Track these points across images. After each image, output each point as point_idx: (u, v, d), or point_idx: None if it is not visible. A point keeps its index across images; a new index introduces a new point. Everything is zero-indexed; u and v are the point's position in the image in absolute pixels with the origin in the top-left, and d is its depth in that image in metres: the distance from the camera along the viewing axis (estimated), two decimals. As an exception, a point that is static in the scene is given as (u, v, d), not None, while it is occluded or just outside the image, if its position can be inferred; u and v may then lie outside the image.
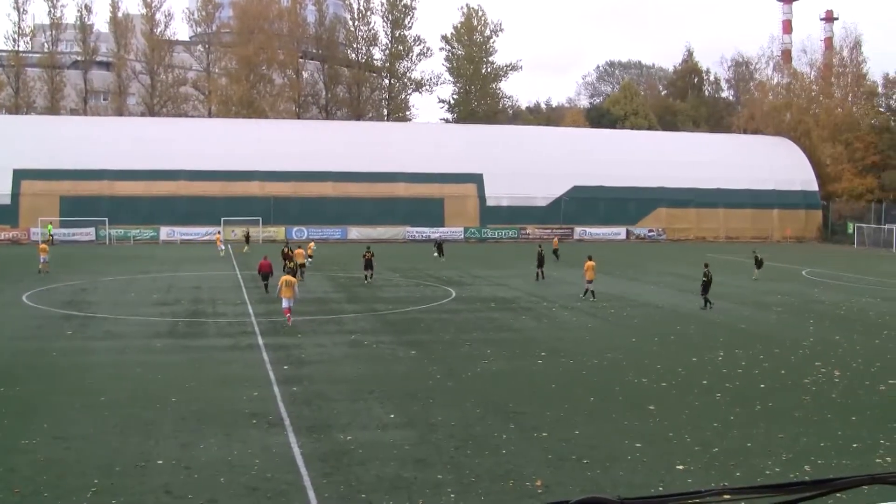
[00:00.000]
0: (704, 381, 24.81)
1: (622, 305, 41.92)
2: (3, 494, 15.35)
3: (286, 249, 51.88)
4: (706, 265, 42.07)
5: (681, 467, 16.94)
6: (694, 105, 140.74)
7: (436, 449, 18.07)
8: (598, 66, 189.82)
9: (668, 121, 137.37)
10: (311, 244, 65.62)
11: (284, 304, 35.07)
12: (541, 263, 52.77)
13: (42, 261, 54.20)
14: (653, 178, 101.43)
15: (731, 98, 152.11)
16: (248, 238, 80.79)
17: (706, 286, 40.70)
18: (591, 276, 43.45)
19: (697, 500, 2.87)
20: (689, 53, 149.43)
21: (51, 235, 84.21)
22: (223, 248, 72.44)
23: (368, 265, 51.26)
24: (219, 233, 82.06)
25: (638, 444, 18.36)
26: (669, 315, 39.06)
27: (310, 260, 57.54)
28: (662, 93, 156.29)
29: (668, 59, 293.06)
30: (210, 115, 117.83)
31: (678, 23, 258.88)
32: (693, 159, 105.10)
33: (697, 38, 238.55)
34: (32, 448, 18.02)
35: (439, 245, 70.12)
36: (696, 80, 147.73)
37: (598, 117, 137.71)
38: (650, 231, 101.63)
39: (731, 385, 24.42)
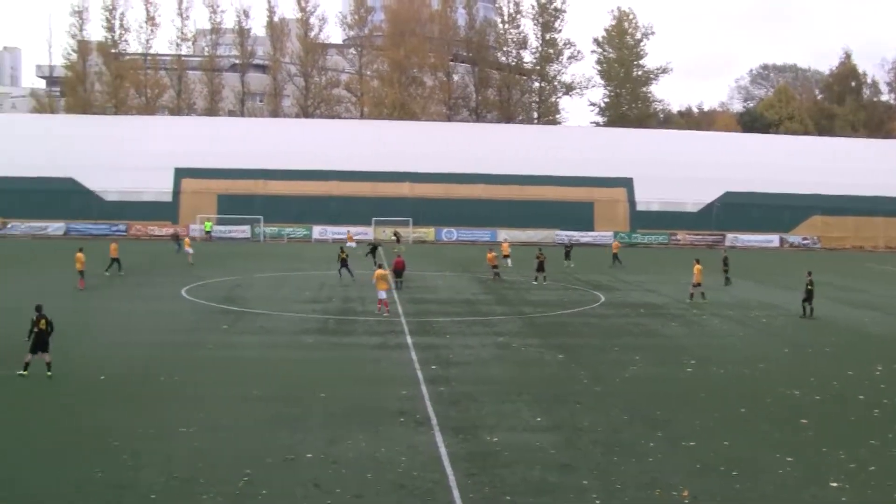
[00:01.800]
0: (861, 396, 24.02)
1: (774, 315, 40.92)
2: (164, 478, 15.99)
3: (343, 254, 52.95)
4: (809, 273, 40.53)
5: (834, 485, 16.45)
6: (852, 109, 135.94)
7: (582, 454, 18.03)
8: (751, 70, 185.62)
9: (824, 125, 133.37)
10: (505, 244, 67.23)
11: (382, 295, 37.82)
12: (540, 268, 52.94)
13: (188, 252, 60.86)
14: (808, 184, 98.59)
15: (892, 102, 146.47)
16: (398, 237, 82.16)
17: (810, 295, 39.37)
18: (699, 279, 44.30)
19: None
20: (847, 56, 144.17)
21: (208, 232, 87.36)
22: (353, 245, 74.71)
23: (541, 267, 51.92)
24: (349, 232, 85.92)
25: (789, 458, 17.94)
26: (824, 326, 37.91)
27: (507, 261, 60.58)
28: (818, 97, 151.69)
29: (824, 62, 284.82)
30: (362, 117, 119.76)
31: (835, 24, 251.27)
32: (850, 165, 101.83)
33: (856, 40, 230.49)
34: (189, 436, 18.72)
35: (567, 250, 68.29)
36: (854, 83, 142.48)
37: (751, 122, 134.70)
38: (804, 239, 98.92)
39: (889, 401, 23.48)
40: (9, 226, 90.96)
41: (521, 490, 15.77)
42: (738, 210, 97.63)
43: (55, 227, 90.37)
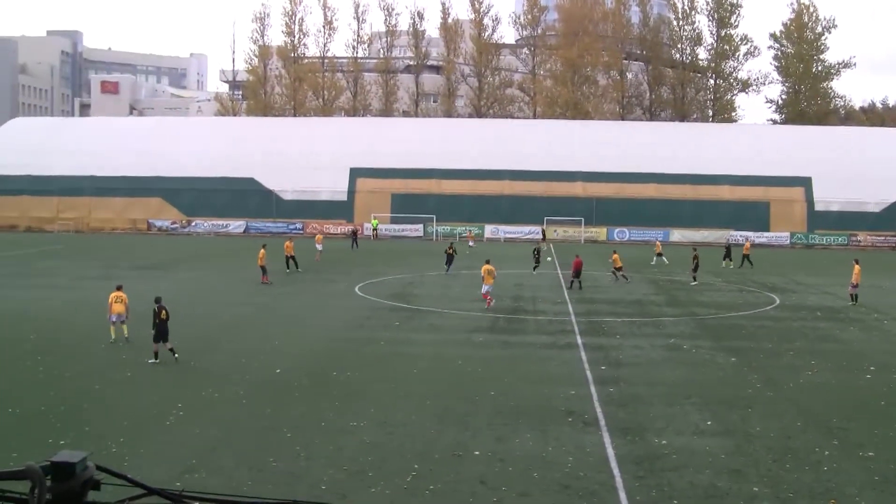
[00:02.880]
0: None
1: (963, 320, 39.13)
2: (333, 471, 16.46)
3: (450, 249, 55.22)
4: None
5: None
6: None
7: (752, 460, 17.67)
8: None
9: None
10: (658, 243, 69.30)
11: (484, 288, 40.06)
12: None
13: (318, 250, 61.78)
14: None
15: None
16: (544, 236, 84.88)
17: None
18: (858, 280, 43.13)
19: None
20: None
21: (375, 230, 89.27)
22: (473, 244, 74.90)
23: (696, 267, 52.06)
24: (469, 231, 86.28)
25: (977, 472, 17.18)
26: None
27: (663, 258, 63.28)
28: None
29: None
30: (535, 117, 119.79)
31: None
32: None
33: None
34: (359, 430, 19.18)
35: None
36: None
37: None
38: None
39: None
40: (193, 223, 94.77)
41: (689, 495, 15.59)
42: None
43: (236, 226, 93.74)
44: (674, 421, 20.51)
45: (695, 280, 51.51)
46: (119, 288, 29.99)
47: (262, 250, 48.00)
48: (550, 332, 33.34)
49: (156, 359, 25.74)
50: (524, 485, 15.93)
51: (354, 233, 78.97)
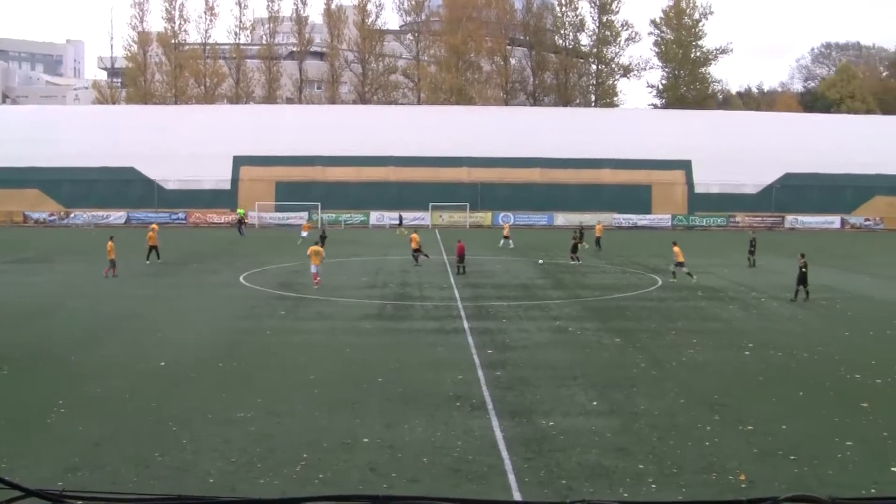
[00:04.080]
0: (923, 379, 23.69)
1: (835, 297, 40.39)
2: (221, 463, 16.19)
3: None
4: (802, 256, 39.38)
5: (896, 469, 16.29)
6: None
7: (638, 438, 17.95)
8: (812, 49, 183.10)
9: (888, 104, 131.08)
10: (506, 225, 69.07)
11: (312, 269, 41.66)
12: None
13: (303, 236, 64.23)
14: (870, 164, 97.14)
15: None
16: (400, 221, 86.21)
17: (803, 277, 38.44)
18: (681, 259, 45.79)
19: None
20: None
21: (241, 219, 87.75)
22: (305, 235, 67.51)
23: (575, 248, 53.26)
24: (307, 221, 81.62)
25: (849, 443, 17.70)
26: (886, 308, 37.38)
27: (510, 242, 63.49)
28: (883, 74, 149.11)
29: (889, 39, 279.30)
30: (419, 103, 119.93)
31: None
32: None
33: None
34: (247, 421, 18.91)
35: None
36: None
37: (813, 101, 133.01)
38: (867, 220, 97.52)
39: (952, 384, 23.18)
40: (72, 215, 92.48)
41: (577, 474, 15.75)
42: (799, 191, 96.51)
43: (117, 217, 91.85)
44: (561, 402, 20.71)
45: (577, 260, 52.58)
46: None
47: (110, 242, 45.91)
48: (437, 318, 33.39)
49: None
50: (414, 471, 15.91)
51: (240, 221, 78.00)
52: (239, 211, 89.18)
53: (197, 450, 16.94)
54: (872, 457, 16.93)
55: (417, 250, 51.34)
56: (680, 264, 45.42)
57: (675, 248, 46.16)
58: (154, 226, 59.85)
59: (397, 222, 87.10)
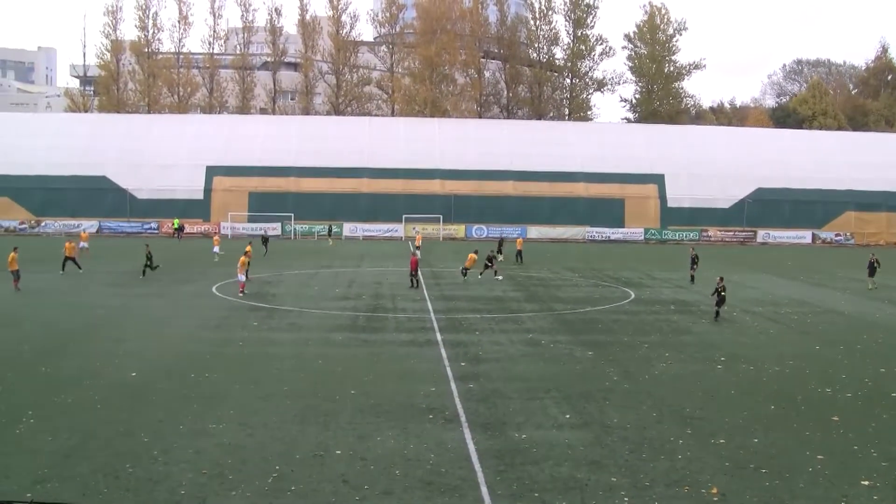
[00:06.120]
0: (894, 394, 23.82)
1: (806, 312, 40.70)
2: (193, 474, 16.11)
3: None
4: (721, 279, 39.13)
5: (866, 483, 16.33)
6: (887, 104, 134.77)
7: (610, 451, 17.99)
8: (784, 65, 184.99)
9: (858, 121, 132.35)
10: (419, 236, 72.10)
11: (240, 278, 42.74)
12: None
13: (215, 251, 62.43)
14: (841, 180, 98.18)
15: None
16: (329, 231, 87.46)
17: (722, 299, 38.16)
18: (470, 265, 51.30)
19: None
20: (884, 49, 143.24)
21: (176, 230, 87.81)
22: (218, 250, 63.87)
23: (490, 260, 53.42)
24: (216, 234, 76.72)
25: (820, 456, 17.83)
26: (856, 323, 37.69)
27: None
28: (853, 91, 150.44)
29: (859, 57, 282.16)
30: (393, 115, 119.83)
31: (871, 18, 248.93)
32: (885, 160, 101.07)
33: (893, 33, 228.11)
34: (219, 432, 18.83)
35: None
36: (890, 77, 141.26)
37: (784, 117, 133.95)
38: (837, 235, 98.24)
39: (921, 398, 23.35)
40: (42, 224, 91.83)
41: (550, 487, 15.78)
42: (770, 206, 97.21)
43: (88, 226, 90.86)
44: (533, 415, 20.73)
45: (494, 271, 52.85)
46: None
47: (13, 253, 43.82)
48: (410, 330, 33.36)
49: None
50: (387, 483, 15.87)
51: (178, 230, 79.90)
52: (175, 221, 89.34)
53: (168, 461, 16.83)
54: (843, 470, 17.05)
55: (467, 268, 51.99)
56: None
57: (471, 255, 51.64)
58: (83, 234, 60.03)
59: (326, 232, 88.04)
